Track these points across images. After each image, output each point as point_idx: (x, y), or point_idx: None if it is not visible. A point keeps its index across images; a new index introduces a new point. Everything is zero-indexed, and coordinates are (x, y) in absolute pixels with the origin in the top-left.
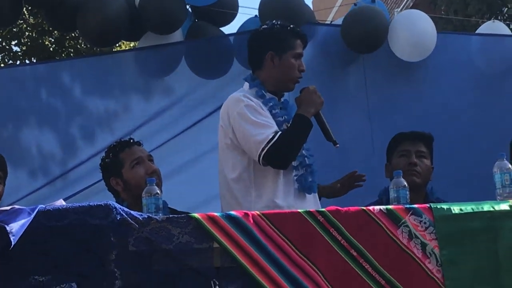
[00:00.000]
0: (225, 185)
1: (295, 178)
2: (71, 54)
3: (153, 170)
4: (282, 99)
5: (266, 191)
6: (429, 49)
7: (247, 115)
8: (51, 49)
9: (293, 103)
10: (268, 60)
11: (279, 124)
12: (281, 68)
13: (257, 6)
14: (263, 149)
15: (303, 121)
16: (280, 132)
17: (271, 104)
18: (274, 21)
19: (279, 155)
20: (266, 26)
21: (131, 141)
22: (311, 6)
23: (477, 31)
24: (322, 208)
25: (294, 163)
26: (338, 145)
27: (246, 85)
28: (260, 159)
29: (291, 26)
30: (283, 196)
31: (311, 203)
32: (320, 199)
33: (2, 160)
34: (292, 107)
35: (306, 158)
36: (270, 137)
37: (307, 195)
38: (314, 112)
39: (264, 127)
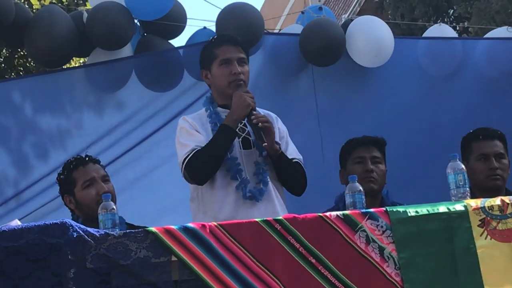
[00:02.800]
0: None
1: (235, 187)
2: (21, 73)
3: (105, 191)
4: None
5: (209, 207)
6: (389, 53)
7: (178, 138)
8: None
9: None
10: (205, 79)
11: None
12: (214, 80)
13: (205, 18)
14: (181, 169)
15: (221, 131)
16: (196, 149)
17: (213, 118)
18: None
19: (192, 172)
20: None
21: (87, 158)
22: None
23: (423, 35)
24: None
25: (231, 174)
26: (265, 144)
27: None
28: (185, 178)
29: (217, 36)
30: (223, 209)
31: (261, 210)
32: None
33: None
34: None
35: (256, 165)
36: (185, 156)
37: (257, 203)
38: (239, 117)
39: (185, 147)
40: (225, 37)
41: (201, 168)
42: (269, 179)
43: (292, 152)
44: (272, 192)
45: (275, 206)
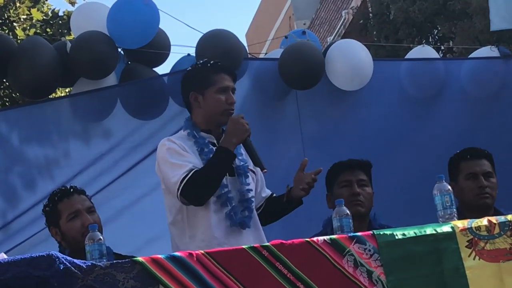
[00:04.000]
0: (169, 229)
1: (226, 214)
2: (7, 103)
3: (90, 223)
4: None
5: (199, 231)
6: (367, 77)
7: (166, 158)
8: None
9: None
10: (192, 101)
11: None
12: (206, 105)
13: (189, 44)
14: (178, 189)
15: (221, 153)
16: (194, 170)
17: (201, 143)
18: (200, 60)
19: (192, 193)
20: (189, 68)
21: (71, 190)
22: (245, 40)
23: (407, 56)
24: (267, 240)
25: (221, 200)
26: (265, 170)
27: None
28: (179, 199)
29: (212, 62)
30: (215, 234)
31: (250, 238)
32: (298, 203)
33: None
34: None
35: (241, 193)
36: (183, 176)
37: (243, 230)
38: (238, 141)
39: (180, 168)
40: (223, 66)
41: (202, 189)
42: (253, 206)
43: (265, 186)
44: (257, 220)
45: (261, 235)
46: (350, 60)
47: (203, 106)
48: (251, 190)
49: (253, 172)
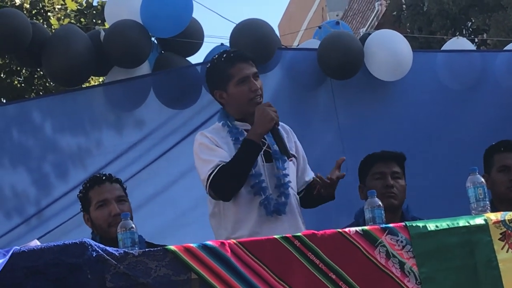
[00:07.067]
0: (209, 221)
1: (260, 203)
2: (41, 92)
3: (116, 213)
4: None
5: (231, 223)
6: (407, 68)
7: (198, 154)
8: (19, 87)
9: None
10: (219, 98)
11: None
12: (232, 99)
13: (222, 34)
14: (206, 186)
15: (246, 146)
16: (221, 165)
17: (235, 132)
18: (216, 55)
19: (218, 188)
20: (208, 65)
21: (104, 178)
22: (277, 30)
23: (442, 48)
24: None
25: (255, 190)
26: (291, 159)
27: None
28: (209, 195)
29: (225, 55)
30: (247, 225)
31: (285, 224)
32: (330, 198)
33: None
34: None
35: (277, 178)
36: (210, 172)
37: (279, 216)
38: (263, 131)
39: (208, 163)
40: (236, 55)
41: (227, 184)
42: (290, 191)
43: (309, 170)
44: (294, 205)
45: (298, 221)
46: (392, 51)
47: (230, 101)
48: (288, 175)
49: (294, 156)
